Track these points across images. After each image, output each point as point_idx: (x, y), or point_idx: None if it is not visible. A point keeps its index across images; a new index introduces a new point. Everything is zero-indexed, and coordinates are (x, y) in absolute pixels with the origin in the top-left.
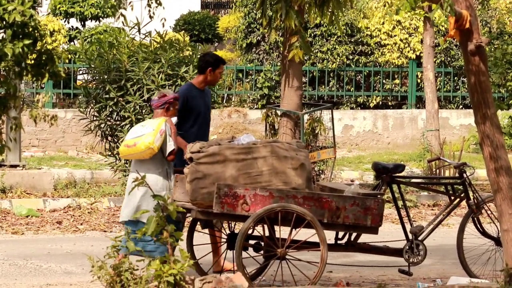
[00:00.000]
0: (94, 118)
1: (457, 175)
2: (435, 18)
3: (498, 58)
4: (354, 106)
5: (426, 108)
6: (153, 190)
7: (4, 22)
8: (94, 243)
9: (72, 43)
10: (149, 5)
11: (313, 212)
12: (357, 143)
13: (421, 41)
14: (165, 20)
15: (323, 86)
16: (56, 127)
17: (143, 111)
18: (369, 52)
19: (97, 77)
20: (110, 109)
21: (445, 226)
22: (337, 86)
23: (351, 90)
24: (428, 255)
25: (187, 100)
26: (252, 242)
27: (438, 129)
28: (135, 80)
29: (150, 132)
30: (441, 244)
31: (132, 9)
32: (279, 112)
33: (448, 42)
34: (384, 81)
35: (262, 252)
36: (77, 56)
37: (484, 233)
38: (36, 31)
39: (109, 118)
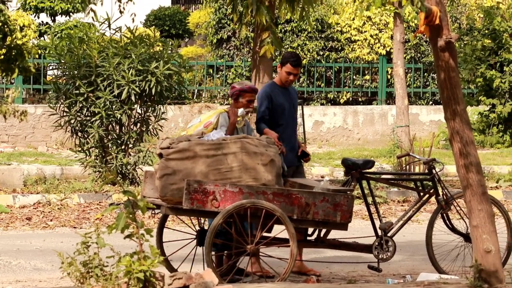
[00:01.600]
0: (64, 114)
1: (426, 171)
2: (405, 14)
3: (467, 54)
4: (325, 102)
5: (396, 104)
6: None
7: None
8: (64, 239)
9: (42, 38)
10: (119, 0)
11: (282, 208)
12: (328, 139)
13: (391, 37)
14: (135, 15)
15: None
16: (26, 122)
17: (113, 106)
18: (340, 48)
19: (67, 73)
20: (80, 105)
21: (414, 222)
22: (308, 82)
23: (322, 86)
24: (397, 251)
25: (270, 96)
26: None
27: (408, 125)
28: (105, 76)
29: (195, 124)
30: (410, 240)
31: (102, 4)
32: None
33: (418, 38)
34: (354, 77)
35: (231, 248)
36: (47, 52)
37: (453, 229)
38: (5, 26)
39: (79, 114)
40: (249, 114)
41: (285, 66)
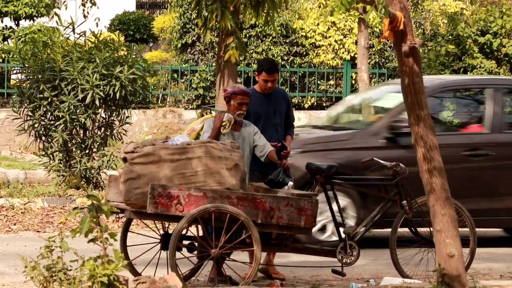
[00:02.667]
0: (28, 118)
1: (390, 176)
2: (369, 19)
3: (431, 60)
4: None
5: None
6: None
7: None
8: (27, 243)
9: (5, 42)
10: (83, 5)
11: (247, 213)
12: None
13: (356, 43)
14: (99, 19)
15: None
16: None
17: (78, 110)
18: (304, 53)
19: (31, 77)
20: (44, 109)
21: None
22: None
23: (286, 91)
24: (361, 255)
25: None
26: (186, 242)
27: None
28: (69, 80)
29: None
30: (374, 245)
31: (66, 8)
32: (214, 113)
33: (382, 43)
34: (319, 82)
35: (196, 252)
36: (11, 56)
37: (416, 234)
38: None
39: (43, 118)
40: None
41: (261, 74)
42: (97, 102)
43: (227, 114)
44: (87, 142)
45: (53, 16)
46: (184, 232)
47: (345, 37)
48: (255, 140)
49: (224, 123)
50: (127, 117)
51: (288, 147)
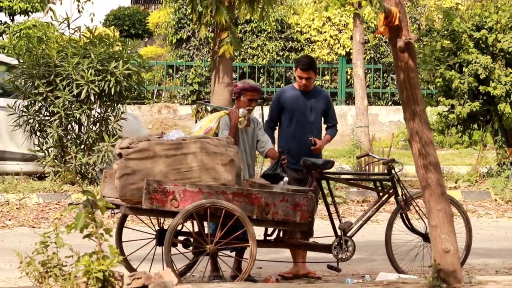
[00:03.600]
0: (23, 114)
1: (386, 171)
2: (364, 14)
3: (427, 55)
4: None
5: (355, 104)
6: None
7: None
8: (22, 239)
9: (0, 37)
10: (78, 0)
11: (242, 208)
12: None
13: (351, 38)
14: (94, 15)
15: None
16: None
17: (73, 106)
18: (299, 48)
19: (26, 72)
20: (39, 105)
21: (374, 222)
22: (267, 82)
23: (281, 86)
24: (356, 251)
25: (278, 99)
26: (181, 238)
27: (367, 126)
28: (64, 75)
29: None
30: (370, 240)
31: (61, 3)
32: (209, 108)
33: (377, 38)
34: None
35: (191, 248)
36: (5, 51)
37: (412, 229)
38: None
39: (38, 114)
40: (252, 113)
41: (296, 70)
42: (92, 98)
43: (241, 110)
44: (82, 138)
45: (47, 12)
46: (179, 227)
47: (340, 32)
48: (258, 135)
49: (240, 119)
50: (122, 112)
51: (319, 143)
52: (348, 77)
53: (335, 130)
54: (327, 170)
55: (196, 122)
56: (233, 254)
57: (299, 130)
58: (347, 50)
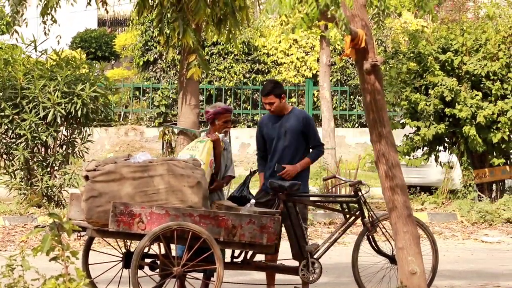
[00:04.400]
0: None
1: (352, 193)
2: (331, 37)
3: (393, 77)
4: (251, 125)
5: (322, 126)
6: None
7: None
8: None
9: None
10: (44, 22)
11: (209, 230)
12: (254, 161)
13: (318, 60)
14: (60, 37)
15: None
16: None
17: (39, 128)
18: (266, 70)
19: None
20: (5, 127)
21: (340, 244)
22: (234, 104)
23: (248, 108)
24: (323, 273)
25: (259, 127)
26: (148, 260)
27: (334, 148)
28: (31, 98)
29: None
30: (336, 262)
31: (27, 26)
32: (176, 130)
33: (344, 61)
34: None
35: (158, 270)
36: None
37: (379, 251)
38: None
39: (4, 136)
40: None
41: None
42: (58, 120)
43: (221, 135)
44: (48, 160)
45: (13, 34)
46: (146, 250)
47: (307, 54)
48: (227, 158)
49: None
50: (88, 135)
51: (289, 169)
52: (315, 99)
53: (318, 152)
54: (293, 192)
55: (163, 144)
56: (201, 276)
57: (274, 156)
58: (314, 72)
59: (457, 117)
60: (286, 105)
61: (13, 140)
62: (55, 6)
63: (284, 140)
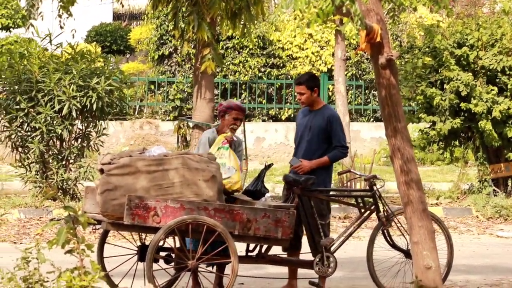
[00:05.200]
0: (5, 129)
1: (367, 187)
2: (346, 31)
3: (408, 72)
4: (266, 119)
5: None
6: None
7: None
8: (3, 254)
9: None
10: (59, 16)
11: (224, 224)
12: (269, 155)
13: (333, 54)
14: (75, 31)
15: (235, 98)
16: None
17: (54, 122)
18: (281, 64)
19: (7, 88)
20: (21, 120)
21: (355, 238)
22: (249, 98)
23: (263, 102)
24: (338, 267)
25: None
26: (163, 254)
27: (349, 142)
28: (46, 91)
29: (234, 173)
30: (351, 257)
31: (42, 19)
32: (191, 124)
33: (359, 55)
34: (295, 93)
35: (173, 264)
36: None
37: (394, 246)
38: None
39: (19, 129)
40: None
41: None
42: (73, 114)
43: (229, 134)
44: (64, 153)
45: (29, 27)
46: (161, 243)
47: (322, 49)
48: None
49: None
50: (104, 128)
51: (304, 164)
52: (330, 93)
53: (339, 153)
54: (308, 186)
55: (178, 138)
56: (215, 270)
57: (297, 149)
58: (329, 66)
59: (472, 111)
60: (319, 100)
61: (29, 133)
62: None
63: (307, 135)
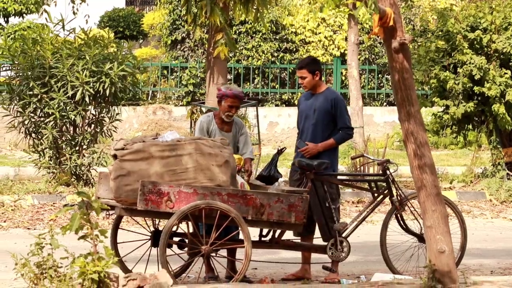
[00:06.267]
0: (18, 115)
1: (380, 172)
2: (359, 15)
3: (421, 56)
4: (279, 103)
5: (350, 105)
6: None
7: None
8: (17, 240)
9: None
10: (72, 2)
11: (237, 209)
12: (282, 140)
13: (346, 39)
14: (88, 16)
15: (248, 83)
16: None
17: (67, 107)
18: (294, 49)
19: (20, 74)
20: (34, 106)
21: (369, 223)
22: (262, 83)
23: (276, 87)
24: (352, 252)
25: (298, 105)
26: (176, 239)
27: (362, 126)
28: (59, 77)
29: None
30: (365, 241)
31: (55, 5)
32: (204, 109)
33: (372, 39)
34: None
35: (186, 249)
36: (0, 53)
37: (407, 230)
38: None
39: (32, 115)
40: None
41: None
42: (87, 99)
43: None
44: (77, 139)
45: (42, 13)
46: (174, 228)
47: (335, 33)
48: (239, 141)
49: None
50: (117, 114)
51: (310, 146)
52: (343, 78)
53: (344, 135)
54: (321, 171)
55: (191, 123)
56: (227, 255)
57: (302, 134)
58: (342, 51)
59: (486, 95)
60: (321, 84)
61: (42, 119)
62: None
63: (312, 119)
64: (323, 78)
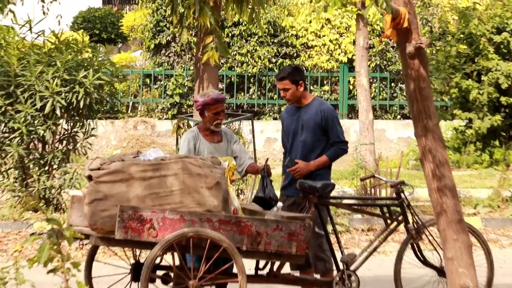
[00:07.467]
0: None
1: (394, 195)
2: (369, 15)
3: (440, 62)
4: (278, 117)
5: (359, 118)
6: None
7: None
8: None
9: None
10: (42, 0)
11: (230, 238)
12: (281, 159)
13: (354, 42)
14: (61, 17)
15: (242, 93)
16: None
17: (36, 121)
18: (295, 54)
19: None
20: None
21: (381, 253)
22: (258, 93)
23: (274, 98)
24: (361, 287)
25: (282, 121)
26: (160, 273)
27: (373, 143)
28: (26, 86)
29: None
30: (376, 275)
31: (22, 4)
32: (192, 123)
33: (384, 43)
34: (311, 87)
35: (171, 284)
36: None
37: (425, 262)
38: None
39: None
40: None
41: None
42: (58, 112)
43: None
44: (46, 158)
45: (7, 14)
46: (158, 261)
47: (341, 36)
48: (234, 151)
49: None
50: (92, 128)
51: (300, 165)
52: (351, 87)
53: (339, 150)
54: (326, 194)
55: (177, 139)
56: None
57: (291, 152)
58: (349, 56)
59: None
60: (306, 94)
61: (6, 135)
62: None
63: (300, 135)
64: (327, 88)
